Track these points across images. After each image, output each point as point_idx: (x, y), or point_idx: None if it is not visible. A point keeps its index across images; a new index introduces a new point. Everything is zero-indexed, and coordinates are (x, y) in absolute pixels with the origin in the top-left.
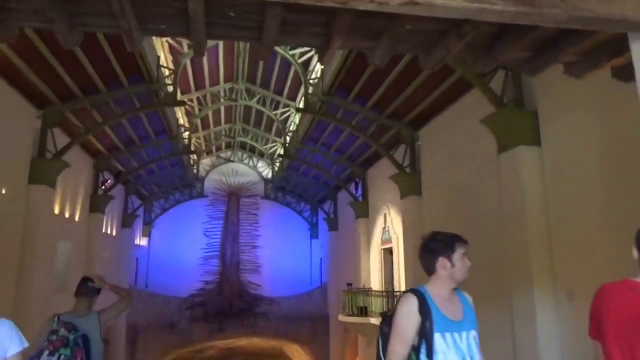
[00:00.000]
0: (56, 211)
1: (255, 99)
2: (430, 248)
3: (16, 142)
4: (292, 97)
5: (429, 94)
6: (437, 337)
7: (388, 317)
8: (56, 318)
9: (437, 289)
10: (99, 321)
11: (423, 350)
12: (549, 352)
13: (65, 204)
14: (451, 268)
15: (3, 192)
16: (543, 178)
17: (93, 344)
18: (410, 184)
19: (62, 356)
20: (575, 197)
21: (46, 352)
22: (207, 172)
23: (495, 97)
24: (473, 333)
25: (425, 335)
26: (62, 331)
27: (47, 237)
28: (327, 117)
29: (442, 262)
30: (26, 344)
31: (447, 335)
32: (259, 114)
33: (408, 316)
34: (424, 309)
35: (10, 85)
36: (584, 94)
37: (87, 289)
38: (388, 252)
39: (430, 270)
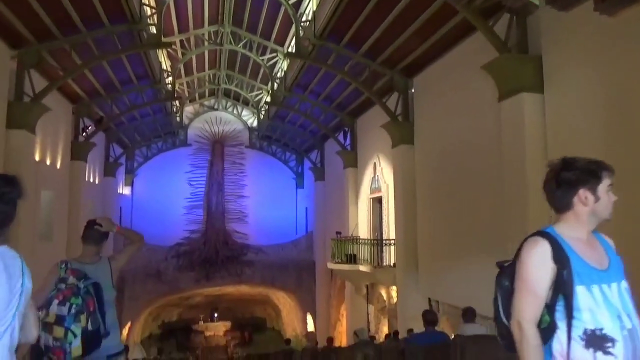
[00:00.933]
0: (37, 158)
1: (241, 44)
2: (568, 178)
3: None
4: (281, 42)
5: (425, 39)
6: (580, 290)
7: (508, 267)
8: (64, 265)
9: (573, 230)
10: (110, 267)
11: (560, 309)
12: None
13: (46, 150)
14: (594, 203)
15: None
16: (545, 126)
17: (105, 292)
18: (402, 132)
19: (73, 306)
20: (576, 147)
21: (55, 302)
22: (191, 121)
23: (499, 41)
24: (624, 284)
25: (563, 289)
26: (71, 279)
27: (29, 184)
28: (318, 62)
29: (582, 196)
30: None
31: (594, 288)
32: (245, 59)
33: (539, 265)
34: (559, 256)
35: None
36: (591, 42)
37: (94, 233)
38: (377, 201)
39: (563, 206)
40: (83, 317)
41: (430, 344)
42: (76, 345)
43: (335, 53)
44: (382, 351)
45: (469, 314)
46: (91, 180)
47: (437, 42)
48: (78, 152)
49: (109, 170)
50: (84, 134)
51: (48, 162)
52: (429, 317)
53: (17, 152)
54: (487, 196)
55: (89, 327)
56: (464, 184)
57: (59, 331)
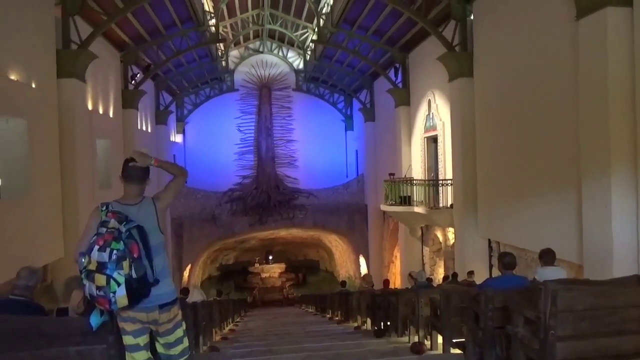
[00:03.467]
0: (90, 107)
1: None
2: None
3: (38, 32)
4: None
5: None
6: None
7: None
8: (104, 207)
9: None
10: (155, 208)
11: None
12: (624, 238)
13: (98, 99)
14: None
15: (33, 85)
16: (633, 46)
17: (151, 236)
18: (460, 64)
19: (114, 251)
20: None
21: (96, 248)
22: (236, 65)
23: None
24: None
25: None
26: (112, 222)
27: (85, 133)
28: None
29: None
30: None
31: None
32: None
33: None
34: None
35: None
36: None
37: (132, 170)
38: (432, 140)
39: None
40: (126, 264)
41: (510, 289)
42: (121, 295)
43: None
44: (450, 295)
45: (548, 256)
46: (144, 128)
47: None
48: (129, 100)
49: (160, 118)
50: (133, 82)
51: (101, 111)
52: (507, 260)
53: (70, 101)
54: (558, 130)
55: (133, 274)
56: (530, 117)
57: (101, 279)
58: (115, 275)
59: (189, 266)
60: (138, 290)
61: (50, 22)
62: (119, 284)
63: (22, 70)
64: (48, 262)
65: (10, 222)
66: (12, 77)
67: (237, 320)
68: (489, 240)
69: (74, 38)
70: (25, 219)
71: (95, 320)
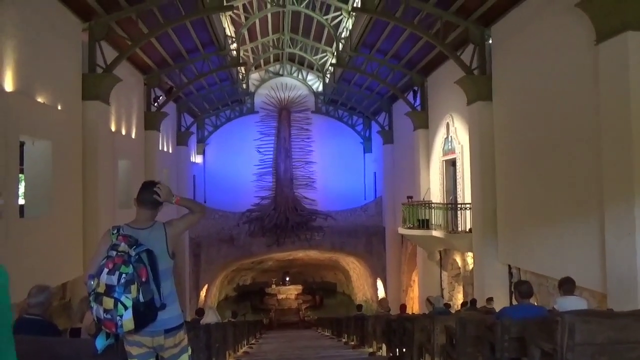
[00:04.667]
0: (113, 128)
1: (304, 3)
2: None
3: (66, 57)
4: None
5: None
6: None
7: None
8: (115, 231)
9: None
10: (165, 233)
11: None
12: None
13: (121, 121)
14: None
15: (59, 108)
16: None
17: (160, 261)
18: (478, 88)
19: (123, 275)
20: None
21: (105, 271)
22: (257, 87)
23: None
24: None
25: None
26: (123, 246)
27: (107, 154)
28: (386, 16)
29: None
30: None
31: None
32: (308, 21)
33: None
34: None
35: None
36: None
37: (146, 195)
38: (450, 164)
39: None
40: (134, 288)
41: (526, 319)
42: (127, 318)
43: (404, 4)
44: (466, 323)
45: (568, 285)
46: (165, 149)
47: None
48: (151, 122)
49: (181, 139)
50: (156, 104)
51: (123, 132)
52: (523, 289)
53: (94, 123)
54: (580, 155)
55: (141, 298)
56: (550, 141)
57: (108, 302)
58: (122, 298)
59: (206, 286)
60: (145, 314)
61: (78, 47)
62: (126, 308)
63: (49, 93)
64: (67, 280)
65: (32, 240)
66: (40, 99)
67: (252, 342)
68: (509, 266)
69: (99, 62)
70: (46, 237)
71: (100, 342)
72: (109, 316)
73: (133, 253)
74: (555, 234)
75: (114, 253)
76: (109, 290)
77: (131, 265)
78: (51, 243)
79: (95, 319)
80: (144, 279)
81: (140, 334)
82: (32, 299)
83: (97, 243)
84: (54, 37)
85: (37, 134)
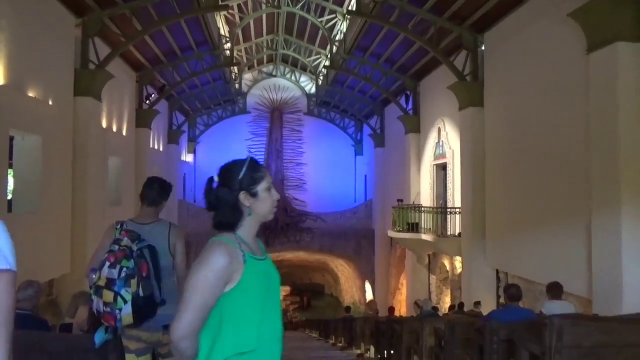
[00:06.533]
0: (104, 125)
1: (299, 5)
2: None
3: (58, 52)
4: (339, 1)
5: None
6: None
7: None
8: (119, 225)
9: None
10: (169, 231)
11: None
12: (635, 273)
13: (112, 117)
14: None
15: (50, 103)
16: None
17: (162, 257)
18: (470, 94)
19: (124, 269)
20: None
21: (107, 264)
22: (249, 88)
23: None
24: None
25: None
26: (125, 240)
27: (98, 150)
28: (380, 20)
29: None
30: (13, 268)
31: None
32: (303, 23)
33: None
34: None
35: None
36: None
37: (152, 192)
38: (441, 168)
39: None
40: (134, 282)
41: (515, 322)
42: (126, 312)
43: (399, 9)
44: (455, 326)
45: (555, 290)
46: (156, 147)
47: None
48: (142, 119)
49: (172, 137)
50: (148, 101)
51: (114, 129)
52: (512, 292)
53: (85, 119)
54: (569, 162)
55: (140, 292)
56: (540, 148)
57: (108, 295)
58: (122, 292)
59: None
60: (144, 309)
61: (70, 42)
62: (125, 302)
63: (41, 87)
64: (54, 277)
65: (20, 235)
66: (31, 94)
67: None
68: (497, 271)
69: (92, 58)
70: (34, 233)
71: (99, 337)
72: (108, 309)
73: (135, 248)
74: (543, 239)
75: (116, 247)
76: (110, 283)
77: (132, 260)
78: (39, 239)
79: (95, 312)
80: (144, 274)
81: (139, 328)
82: (21, 292)
83: (86, 239)
84: (47, 32)
85: (27, 128)
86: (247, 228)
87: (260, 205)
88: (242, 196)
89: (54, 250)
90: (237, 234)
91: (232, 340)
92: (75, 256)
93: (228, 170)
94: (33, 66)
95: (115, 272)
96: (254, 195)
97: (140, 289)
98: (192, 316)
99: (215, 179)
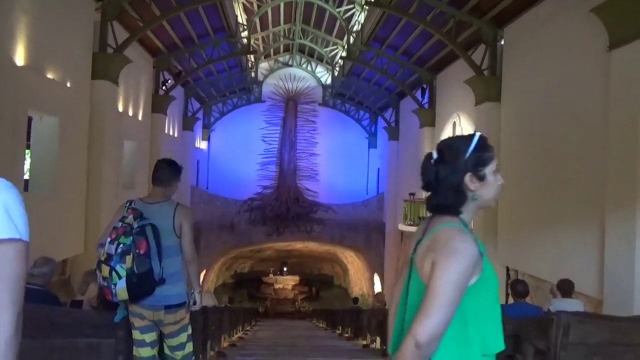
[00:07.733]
0: (120, 109)
1: None
2: None
3: (77, 35)
4: None
5: None
6: None
7: None
8: (128, 204)
9: None
10: (175, 212)
11: None
12: None
13: (128, 102)
14: None
15: (68, 85)
16: None
17: (164, 237)
18: (488, 89)
19: (121, 245)
20: None
21: (108, 240)
22: (265, 77)
23: None
24: None
25: None
26: (129, 218)
27: (113, 134)
28: (399, 12)
29: None
30: (24, 238)
31: None
32: (321, 13)
33: None
34: None
35: None
36: None
37: (158, 173)
38: None
39: None
40: (129, 258)
41: (521, 318)
42: (121, 287)
43: (418, 1)
44: None
45: (566, 287)
46: (171, 133)
47: None
48: (158, 104)
49: (187, 124)
50: (164, 87)
51: (130, 114)
52: (519, 288)
53: (102, 102)
54: (585, 161)
55: (135, 269)
56: (557, 146)
57: (105, 270)
58: (117, 267)
59: (204, 271)
60: (138, 285)
61: (89, 25)
62: (120, 277)
63: (59, 70)
64: (68, 257)
65: (35, 215)
66: (49, 75)
67: (247, 328)
68: (507, 268)
69: (110, 42)
70: (49, 213)
71: (120, 314)
72: (105, 284)
73: (135, 225)
74: (556, 238)
75: (120, 224)
76: (108, 258)
77: (131, 237)
78: (54, 219)
79: (100, 286)
80: (142, 252)
81: (141, 306)
82: (36, 269)
83: (100, 220)
84: (67, 15)
85: (45, 109)
86: (468, 214)
87: (486, 190)
88: (468, 178)
89: (68, 231)
90: (463, 219)
91: (479, 342)
92: (89, 237)
93: (450, 147)
94: (52, 49)
95: (113, 248)
96: (481, 178)
97: (135, 265)
98: (445, 315)
99: (434, 155)
